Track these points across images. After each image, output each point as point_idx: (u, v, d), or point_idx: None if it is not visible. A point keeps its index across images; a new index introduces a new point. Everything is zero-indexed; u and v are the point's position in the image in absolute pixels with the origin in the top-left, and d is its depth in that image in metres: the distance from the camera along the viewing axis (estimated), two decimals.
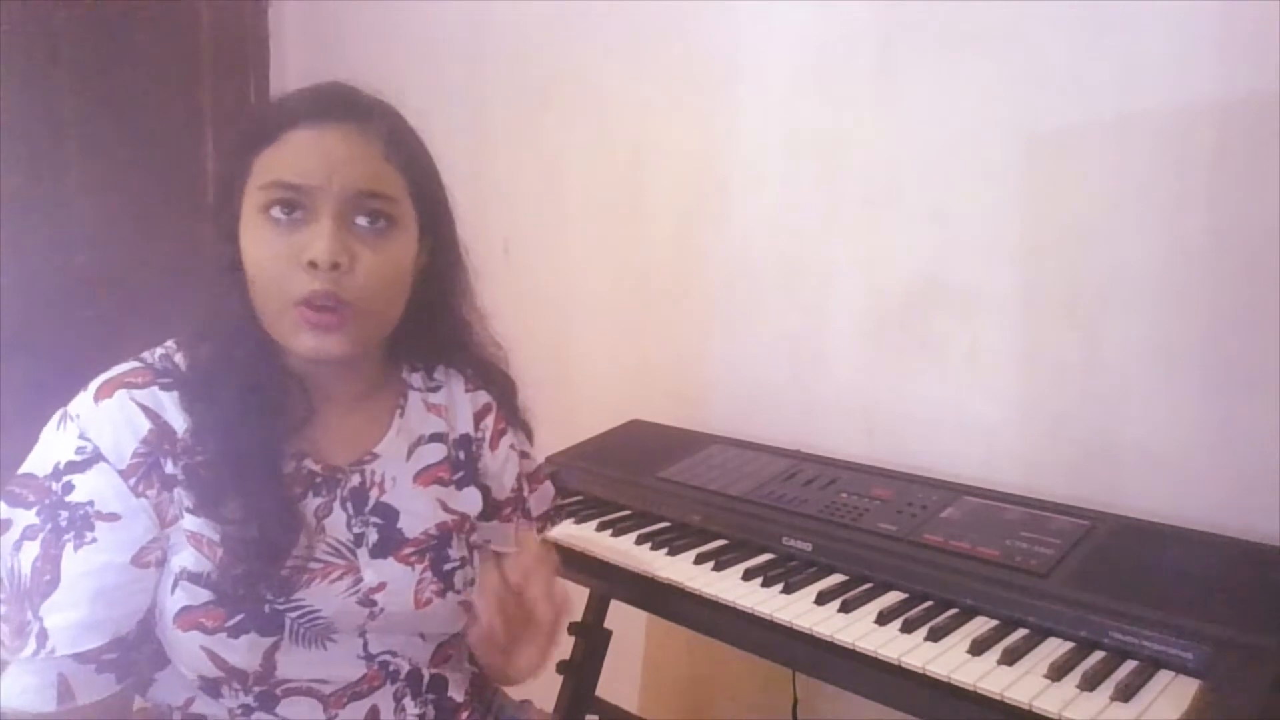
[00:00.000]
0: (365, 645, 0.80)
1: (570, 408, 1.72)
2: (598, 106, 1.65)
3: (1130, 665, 0.79)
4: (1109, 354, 1.10)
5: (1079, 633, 0.84)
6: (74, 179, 2.07)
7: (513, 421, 0.96)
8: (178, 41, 2.20)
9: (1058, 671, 0.77)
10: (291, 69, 2.32)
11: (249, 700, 0.76)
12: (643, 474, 1.26)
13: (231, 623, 0.73)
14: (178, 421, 0.75)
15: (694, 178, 1.51)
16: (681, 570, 1.03)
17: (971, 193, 1.20)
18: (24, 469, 0.73)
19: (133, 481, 0.72)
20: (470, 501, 0.89)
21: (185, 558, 0.73)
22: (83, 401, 0.74)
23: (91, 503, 0.71)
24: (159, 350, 0.79)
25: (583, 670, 1.39)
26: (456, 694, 0.87)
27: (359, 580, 0.79)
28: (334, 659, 0.78)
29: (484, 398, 0.93)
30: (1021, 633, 0.85)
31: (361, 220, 0.76)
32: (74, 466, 0.72)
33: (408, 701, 0.83)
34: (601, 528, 1.17)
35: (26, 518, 0.71)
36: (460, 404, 0.92)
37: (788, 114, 1.39)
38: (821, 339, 1.37)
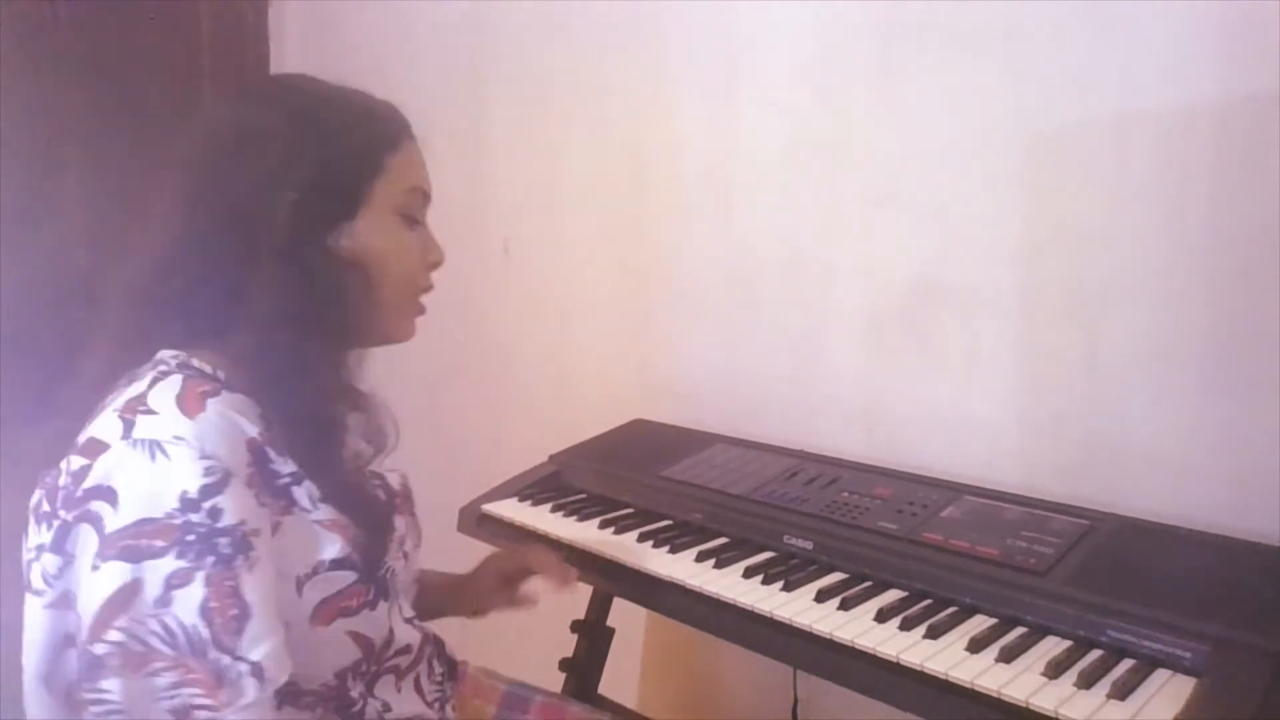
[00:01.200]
0: (402, 609, 0.84)
1: (572, 407, 1.72)
2: (598, 106, 1.65)
3: (1128, 664, 0.79)
4: (1109, 354, 1.10)
5: (1077, 631, 0.84)
6: (74, 179, 2.07)
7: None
8: (178, 41, 2.20)
9: (1055, 669, 0.78)
10: (291, 69, 2.32)
11: (361, 687, 0.78)
12: (645, 473, 1.27)
13: (370, 596, 0.75)
14: (260, 420, 0.71)
15: (694, 177, 1.52)
16: (683, 568, 1.03)
17: (971, 193, 1.20)
18: (127, 520, 0.64)
19: (255, 492, 0.69)
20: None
21: (322, 549, 0.72)
22: (175, 421, 0.67)
23: (244, 522, 0.66)
24: (172, 359, 0.73)
25: (585, 668, 1.40)
26: (454, 652, 0.93)
27: (400, 536, 0.84)
28: (407, 625, 0.83)
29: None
30: (1020, 631, 0.86)
31: None
32: (211, 489, 0.65)
33: (435, 663, 0.87)
34: (604, 525, 1.17)
35: (165, 566, 0.63)
36: None
37: (788, 114, 1.39)
38: (822, 338, 1.37)
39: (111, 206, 2.09)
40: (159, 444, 0.66)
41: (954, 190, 1.22)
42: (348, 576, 0.73)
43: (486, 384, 1.93)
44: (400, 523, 0.85)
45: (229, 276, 0.74)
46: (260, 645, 0.65)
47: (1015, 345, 1.18)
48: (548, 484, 1.33)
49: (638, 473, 1.27)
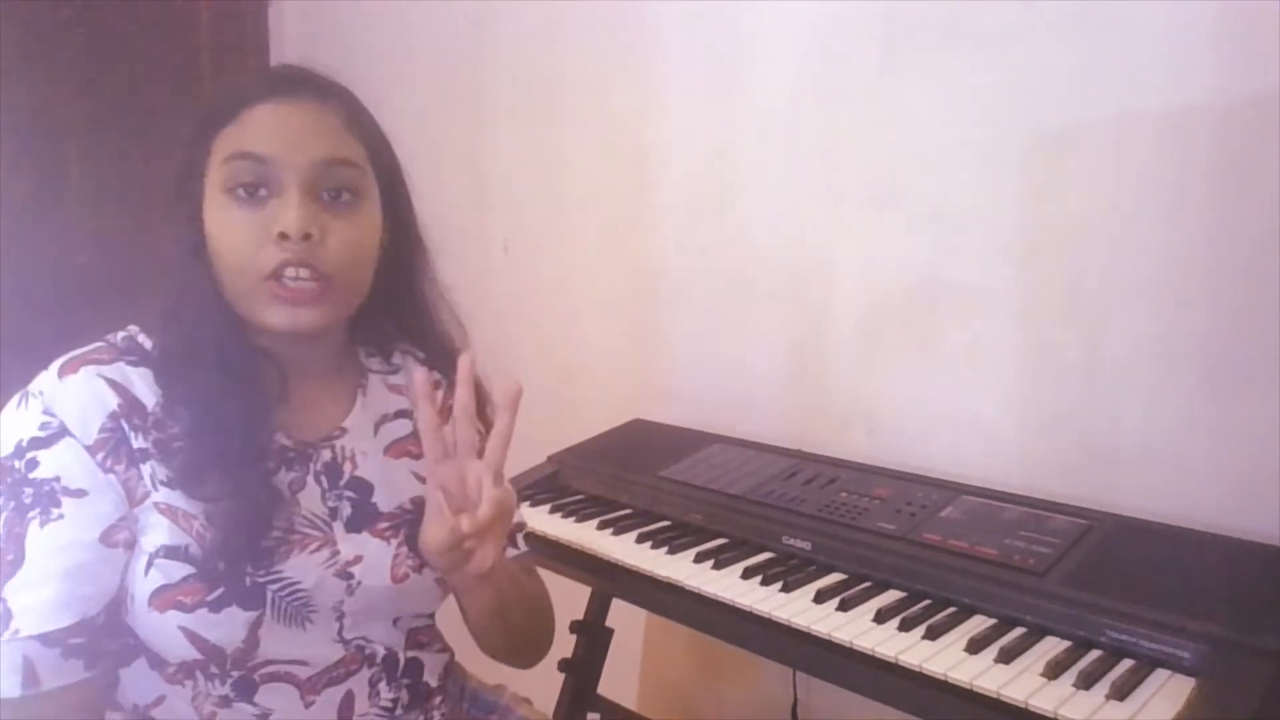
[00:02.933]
0: (341, 630, 0.80)
1: (571, 407, 1.72)
2: (598, 106, 1.65)
3: (1127, 664, 0.79)
4: (1109, 354, 1.10)
5: (1076, 631, 0.84)
6: (74, 179, 2.07)
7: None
8: (178, 41, 2.20)
9: (1054, 670, 0.78)
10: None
11: (226, 690, 0.75)
12: (644, 473, 1.27)
13: (212, 597, 0.72)
14: (147, 397, 0.75)
15: (695, 177, 1.52)
16: (681, 569, 1.03)
17: (971, 193, 1.20)
18: None
19: (100, 457, 0.71)
20: None
21: (159, 534, 0.72)
22: (46, 379, 0.73)
23: (57, 478, 0.70)
24: (120, 334, 0.79)
25: (584, 668, 1.40)
26: (431, 678, 0.88)
27: (336, 552, 0.79)
28: (313, 640, 0.78)
29: (438, 376, 0.93)
30: (1019, 631, 0.86)
31: (328, 193, 0.77)
32: (38, 443, 0.71)
33: (382, 686, 0.83)
34: (603, 526, 1.17)
35: None
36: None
37: (788, 114, 1.39)
38: (822, 338, 1.37)
39: (111, 207, 2.09)
40: (28, 395, 0.73)
41: (954, 190, 1.22)
42: (182, 569, 0.72)
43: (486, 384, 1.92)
44: (350, 541, 0.80)
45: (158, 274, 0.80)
46: (21, 594, 0.68)
47: (1015, 345, 1.18)
48: (546, 484, 1.33)
49: (637, 473, 1.27)
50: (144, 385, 0.75)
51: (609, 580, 1.12)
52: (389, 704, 0.83)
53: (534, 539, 1.19)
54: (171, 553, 0.72)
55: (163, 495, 0.73)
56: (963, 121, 1.20)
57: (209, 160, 0.76)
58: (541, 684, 1.09)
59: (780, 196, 1.41)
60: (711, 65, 1.47)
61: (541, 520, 1.22)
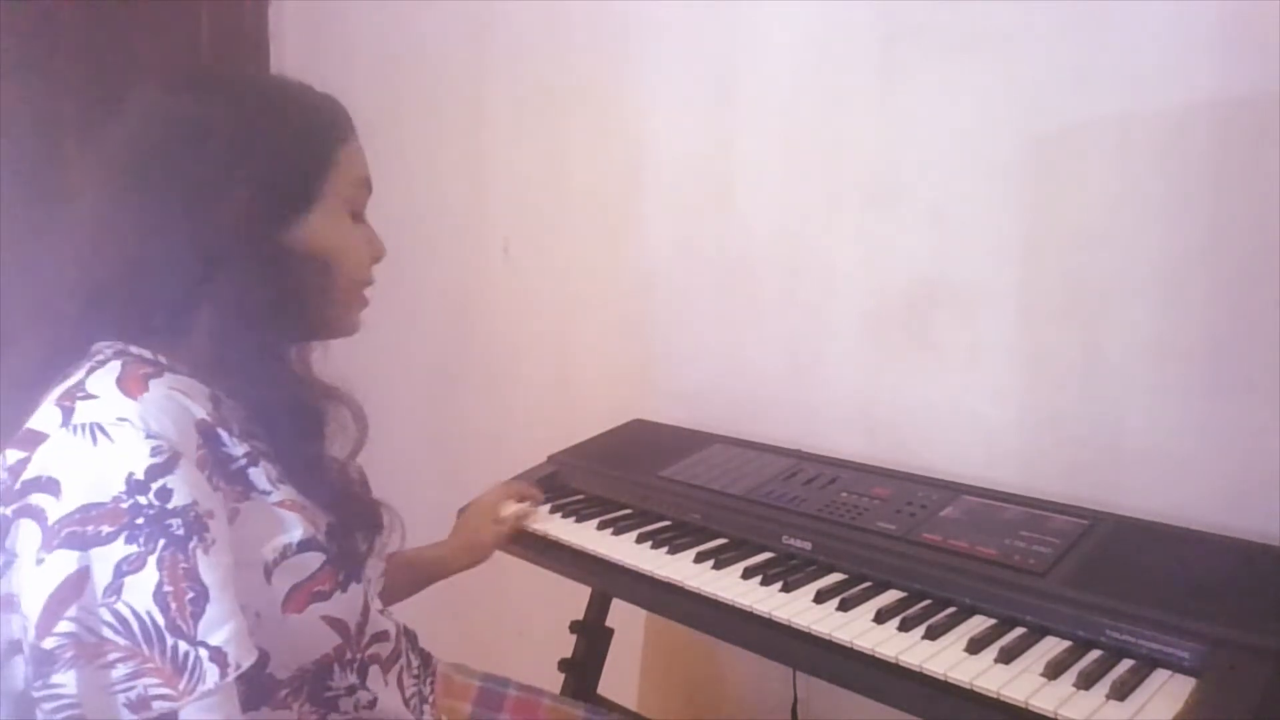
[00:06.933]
0: (368, 598, 0.82)
1: (571, 407, 1.72)
2: (598, 107, 1.65)
3: (1127, 664, 0.79)
4: (1109, 354, 1.10)
5: (1076, 631, 0.84)
6: (74, 179, 2.07)
7: None
8: (178, 41, 2.20)
9: (1054, 670, 0.78)
10: (291, 69, 2.32)
11: (353, 678, 0.76)
12: (643, 473, 1.27)
13: (342, 577, 0.73)
14: (209, 402, 0.70)
15: (694, 177, 1.52)
16: (681, 569, 1.03)
17: (971, 193, 1.20)
18: (71, 508, 0.61)
19: (207, 474, 0.66)
20: None
21: (291, 531, 0.69)
22: (117, 402, 0.64)
23: (195, 502, 0.63)
24: (107, 349, 0.71)
25: (584, 668, 1.40)
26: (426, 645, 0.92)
27: (370, 513, 0.83)
28: (379, 613, 0.81)
29: None
30: (1019, 631, 0.86)
31: None
32: (158, 470, 0.62)
33: (412, 656, 0.87)
34: (602, 526, 1.17)
35: (115, 552, 0.60)
36: None
37: (788, 114, 1.39)
38: (822, 338, 1.37)
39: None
40: (100, 426, 0.63)
41: (954, 190, 1.22)
42: (317, 559, 0.70)
43: (486, 384, 1.92)
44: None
45: (182, 274, 0.72)
46: (220, 629, 0.61)
47: (1015, 345, 1.18)
48: (546, 484, 1.33)
49: (636, 473, 1.27)
50: (202, 395, 0.70)
51: (609, 580, 1.12)
52: (418, 672, 0.88)
53: (534, 539, 1.19)
54: (304, 546, 0.70)
55: (283, 493, 0.71)
56: (963, 121, 1.20)
57: (331, 171, 0.79)
58: (541, 684, 1.09)
59: (780, 196, 1.41)
60: (711, 65, 1.47)
61: (541, 520, 1.22)
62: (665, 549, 1.09)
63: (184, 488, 0.63)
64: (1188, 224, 1.03)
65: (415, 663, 0.88)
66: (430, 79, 1.94)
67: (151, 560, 0.60)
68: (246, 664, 0.62)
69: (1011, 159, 1.16)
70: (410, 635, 0.89)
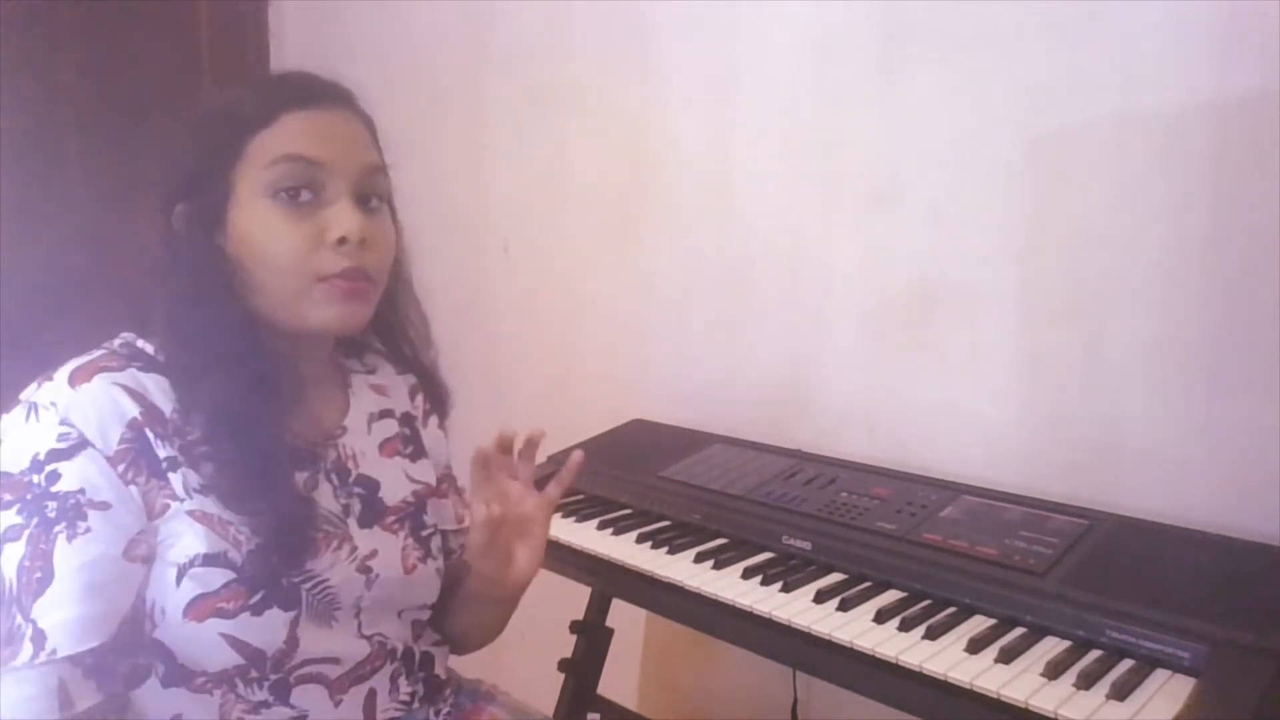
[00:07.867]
0: (360, 626, 0.81)
1: (571, 407, 1.72)
2: (598, 106, 1.65)
3: (1127, 664, 0.79)
4: (1109, 354, 1.10)
5: (1076, 631, 0.84)
6: (74, 179, 2.07)
7: (437, 406, 0.98)
8: (178, 41, 2.20)
9: (1054, 670, 0.78)
10: (290, 69, 2.33)
11: (264, 694, 0.75)
12: (643, 473, 1.27)
13: (254, 600, 0.72)
14: (164, 404, 0.73)
15: (694, 177, 1.52)
16: (681, 569, 1.03)
17: (971, 193, 1.20)
18: None
19: (121, 468, 0.70)
20: (427, 472, 0.93)
21: (194, 542, 0.71)
22: (56, 389, 0.70)
23: (82, 490, 0.68)
24: (117, 340, 0.77)
25: (584, 668, 1.40)
26: (441, 671, 0.90)
27: (354, 548, 0.81)
28: (339, 637, 0.79)
29: (412, 378, 0.97)
30: (1019, 631, 0.86)
31: (366, 199, 0.79)
32: (57, 454, 0.68)
33: (402, 681, 0.85)
34: (602, 526, 1.17)
35: (5, 519, 0.67)
36: (396, 384, 0.95)
37: (788, 114, 1.39)
38: (822, 338, 1.37)
39: (111, 206, 2.09)
40: (36, 406, 0.70)
41: (954, 190, 1.22)
42: (222, 575, 0.71)
43: (486, 384, 1.92)
44: (365, 536, 0.82)
45: (140, 276, 0.79)
46: (52, 613, 0.65)
47: (1015, 345, 1.18)
48: (546, 484, 1.33)
49: (636, 473, 1.27)
50: (159, 392, 0.73)
51: (609, 580, 1.12)
52: (408, 698, 0.85)
53: None
54: (211, 560, 0.71)
55: (196, 503, 0.72)
56: (963, 121, 1.20)
57: (239, 164, 0.76)
58: (542, 684, 1.09)
59: (780, 196, 1.41)
60: (711, 65, 1.47)
61: None
62: (665, 549, 1.09)
63: (73, 476, 0.68)
64: (1188, 224, 1.03)
65: (408, 689, 0.85)
66: (430, 79, 1.94)
67: (26, 534, 0.67)
68: (65, 652, 0.65)
69: (1011, 159, 1.16)
70: (412, 660, 0.86)
